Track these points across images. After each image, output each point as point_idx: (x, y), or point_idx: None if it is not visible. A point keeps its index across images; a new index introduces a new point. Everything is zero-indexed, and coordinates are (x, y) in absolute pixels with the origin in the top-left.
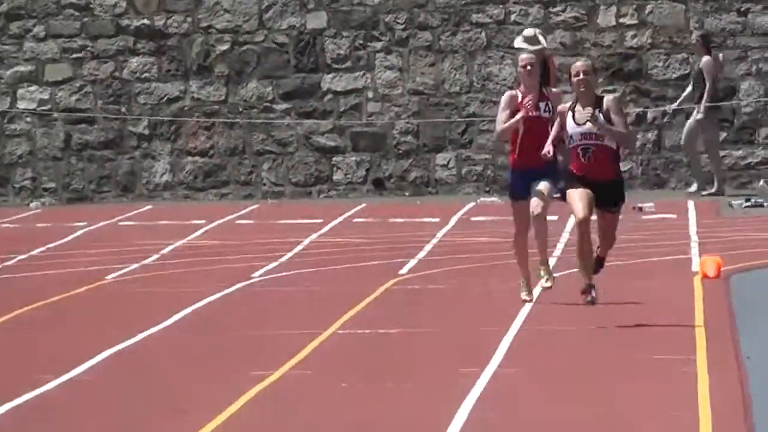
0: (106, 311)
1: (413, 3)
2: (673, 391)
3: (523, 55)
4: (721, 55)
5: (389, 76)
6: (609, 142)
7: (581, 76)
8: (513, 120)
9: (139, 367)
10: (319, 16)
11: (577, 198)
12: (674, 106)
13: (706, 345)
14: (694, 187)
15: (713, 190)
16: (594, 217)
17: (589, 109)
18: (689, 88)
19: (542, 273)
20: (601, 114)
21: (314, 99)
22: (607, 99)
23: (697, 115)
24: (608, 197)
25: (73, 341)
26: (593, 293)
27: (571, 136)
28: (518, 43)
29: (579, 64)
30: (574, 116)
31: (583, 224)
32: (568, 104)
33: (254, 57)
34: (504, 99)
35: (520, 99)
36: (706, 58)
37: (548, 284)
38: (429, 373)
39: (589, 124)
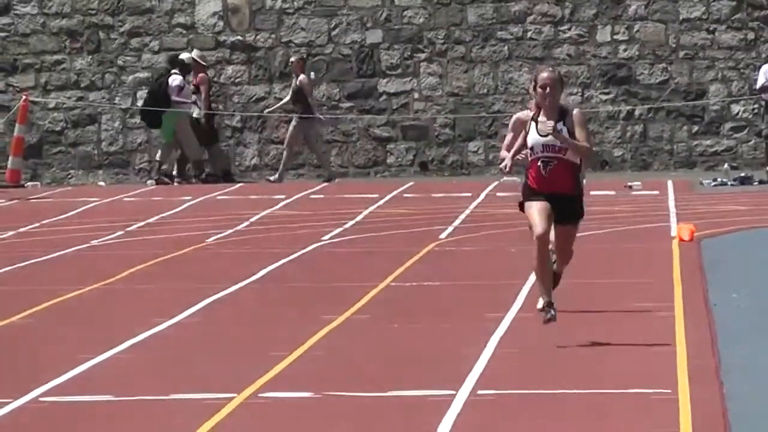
0: (207, 267)
1: (450, 23)
2: (654, 331)
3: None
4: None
5: (431, 81)
6: (571, 157)
7: (547, 89)
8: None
9: (233, 311)
10: (375, 33)
11: (536, 212)
12: (270, 110)
13: (682, 295)
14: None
15: (274, 177)
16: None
17: (551, 123)
18: (287, 99)
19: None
20: (565, 126)
21: (372, 99)
22: (572, 112)
23: (295, 122)
24: (566, 211)
25: (181, 291)
26: (552, 311)
27: (532, 147)
28: (195, 54)
29: (545, 75)
30: (537, 127)
31: (541, 239)
32: (531, 114)
33: (324, 65)
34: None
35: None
36: (302, 77)
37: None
38: (463, 317)
39: (551, 136)
